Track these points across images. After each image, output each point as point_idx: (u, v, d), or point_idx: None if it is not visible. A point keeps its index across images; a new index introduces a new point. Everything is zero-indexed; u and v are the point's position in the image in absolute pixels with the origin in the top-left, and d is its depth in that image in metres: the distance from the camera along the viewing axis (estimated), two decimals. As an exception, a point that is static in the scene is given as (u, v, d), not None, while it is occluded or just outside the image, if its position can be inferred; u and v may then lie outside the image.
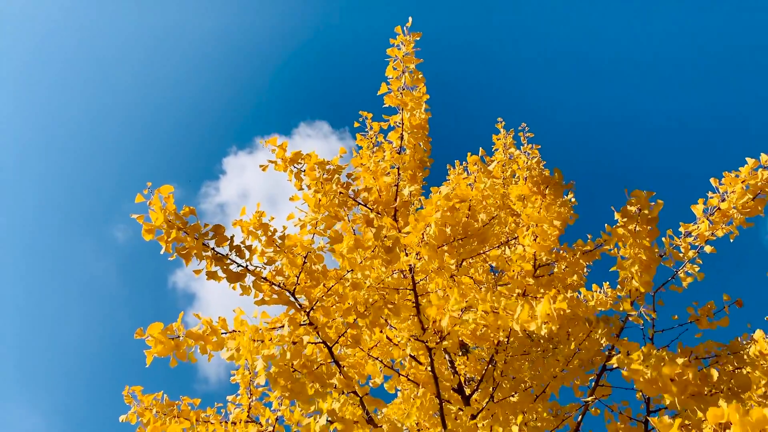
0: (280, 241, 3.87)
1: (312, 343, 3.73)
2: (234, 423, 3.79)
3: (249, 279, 3.64)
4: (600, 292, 4.78)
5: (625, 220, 3.69)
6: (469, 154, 4.60)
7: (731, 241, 3.72)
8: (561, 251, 4.34)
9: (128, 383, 3.93)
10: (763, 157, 3.57)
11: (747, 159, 3.54)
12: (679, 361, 2.85)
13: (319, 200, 3.64)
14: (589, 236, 4.27)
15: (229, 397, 4.00)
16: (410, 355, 4.46)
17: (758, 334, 4.21)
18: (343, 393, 3.85)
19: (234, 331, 3.46)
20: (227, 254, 3.55)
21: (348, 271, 3.77)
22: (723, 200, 3.64)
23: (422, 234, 3.89)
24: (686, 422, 2.75)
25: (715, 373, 2.92)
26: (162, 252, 3.38)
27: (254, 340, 3.29)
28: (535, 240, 4.35)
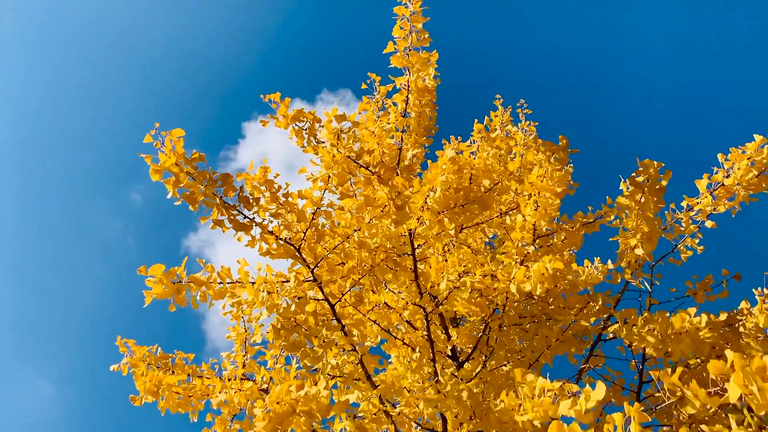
0: (283, 199, 3.79)
1: (315, 300, 3.67)
2: (229, 379, 3.70)
3: (256, 231, 3.56)
4: (591, 267, 4.82)
5: (631, 189, 3.73)
6: (476, 121, 4.57)
7: (733, 216, 3.80)
8: (561, 222, 4.37)
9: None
10: (771, 134, 3.64)
11: (755, 136, 3.61)
12: (691, 311, 2.89)
13: (334, 156, 3.56)
14: (590, 208, 4.31)
15: (224, 354, 3.91)
16: (406, 321, 4.43)
17: (743, 304, 4.29)
18: (343, 351, 3.80)
19: (239, 281, 3.37)
20: (235, 204, 3.46)
21: (355, 230, 3.71)
22: (728, 176, 3.70)
23: (425, 198, 3.86)
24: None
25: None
26: (168, 196, 3.26)
27: (266, 292, 3.20)
28: (536, 209, 4.37)
